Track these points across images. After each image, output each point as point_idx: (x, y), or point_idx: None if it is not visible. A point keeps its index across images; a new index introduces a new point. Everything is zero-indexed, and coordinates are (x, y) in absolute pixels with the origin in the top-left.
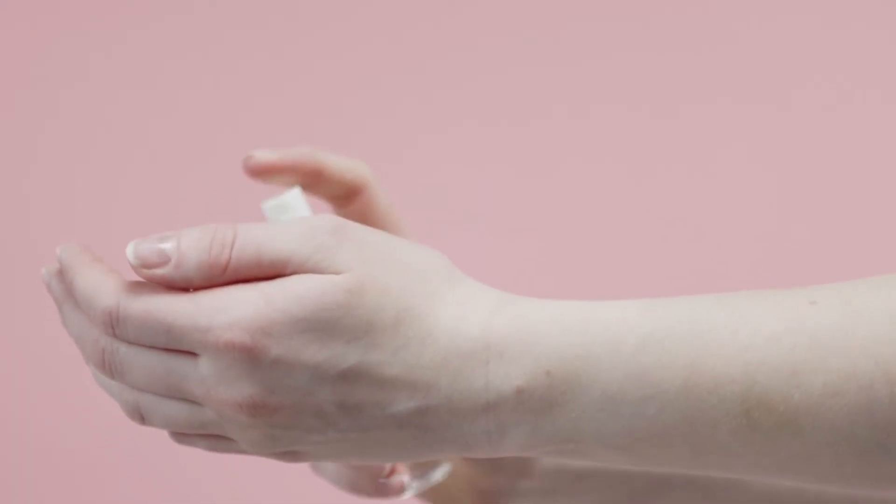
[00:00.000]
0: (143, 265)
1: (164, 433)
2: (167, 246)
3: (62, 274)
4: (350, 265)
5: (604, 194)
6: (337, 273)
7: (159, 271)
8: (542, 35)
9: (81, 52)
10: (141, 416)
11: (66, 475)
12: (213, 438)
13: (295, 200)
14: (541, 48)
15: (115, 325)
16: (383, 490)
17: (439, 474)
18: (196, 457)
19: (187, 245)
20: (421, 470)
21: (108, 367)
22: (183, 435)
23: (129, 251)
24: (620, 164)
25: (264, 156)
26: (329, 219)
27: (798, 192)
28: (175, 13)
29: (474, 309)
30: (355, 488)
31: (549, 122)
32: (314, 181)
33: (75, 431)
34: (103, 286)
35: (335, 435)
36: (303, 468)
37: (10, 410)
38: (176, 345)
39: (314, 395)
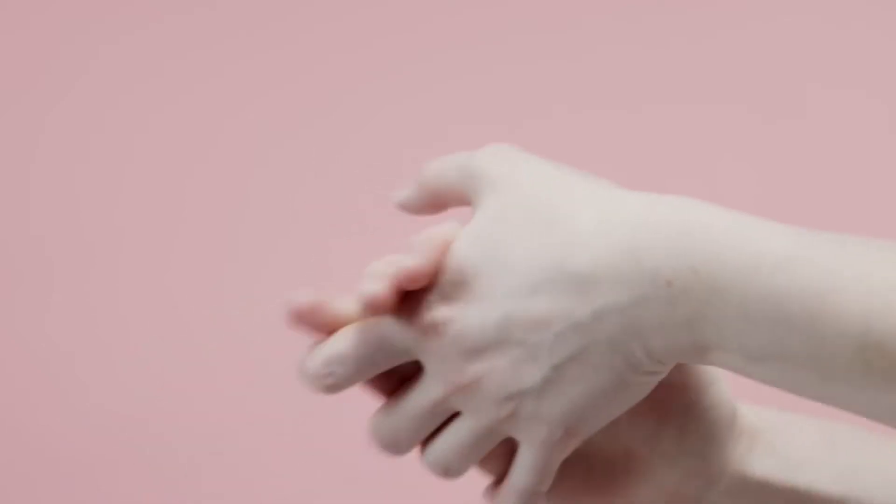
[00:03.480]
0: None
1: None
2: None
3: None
4: (508, 172)
5: None
6: (498, 181)
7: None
8: (541, 35)
9: (81, 52)
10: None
11: (66, 475)
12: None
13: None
14: (540, 48)
15: None
16: None
17: None
18: (196, 457)
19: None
20: None
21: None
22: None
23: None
24: (620, 164)
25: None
26: (502, 145)
27: (797, 192)
28: (175, 13)
29: (621, 206)
30: None
31: (548, 122)
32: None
33: (75, 431)
34: None
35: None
36: (303, 469)
37: (11, 410)
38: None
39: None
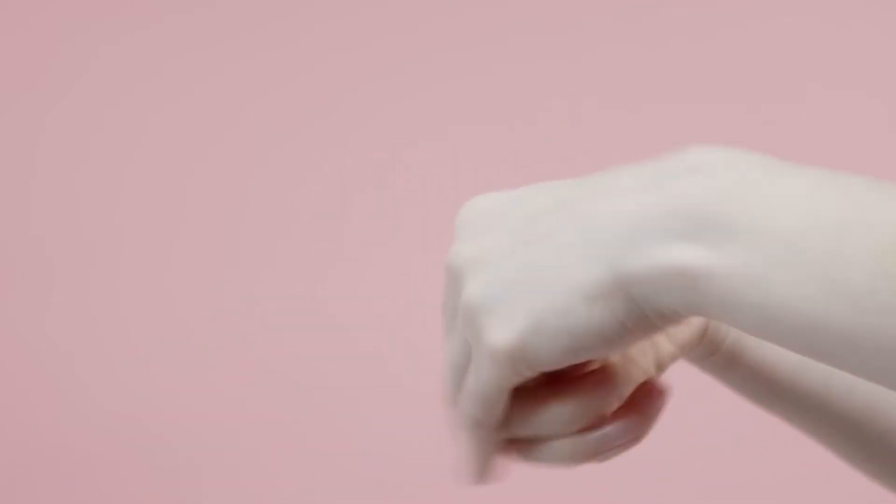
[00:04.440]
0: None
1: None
2: None
3: None
4: None
5: None
6: None
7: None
8: (541, 35)
9: (81, 52)
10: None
11: (66, 475)
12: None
13: None
14: (540, 48)
15: None
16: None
17: None
18: (196, 457)
19: None
20: None
21: None
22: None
23: None
24: (620, 163)
25: None
26: None
27: None
28: (175, 13)
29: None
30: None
31: (548, 122)
32: None
33: (75, 431)
34: None
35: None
36: (302, 469)
37: (11, 410)
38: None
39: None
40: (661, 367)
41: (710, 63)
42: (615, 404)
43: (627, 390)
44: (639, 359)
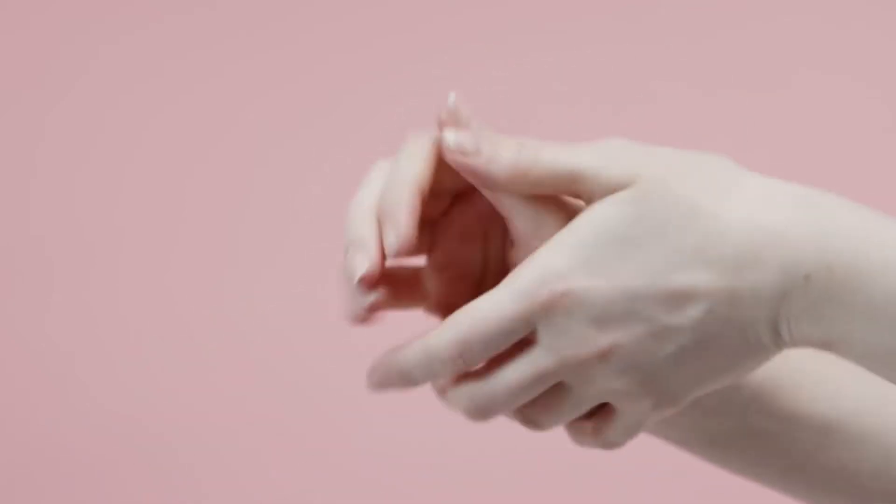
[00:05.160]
0: (460, 151)
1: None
2: (483, 145)
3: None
4: (637, 172)
5: None
6: (623, 184)
7: (471, 160)
8: (541, 35)
9: (81, 52)
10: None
11: (66, 475)
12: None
13: None
14: (540, 48)
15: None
16: None
17: None
18: (196, 457)
19: (502, 146)
20: None
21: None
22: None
23: (450, 136)
24: None
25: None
26: (616, 138)
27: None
28: (175, 13)
29: (766, 202)
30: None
31: (548, 122)
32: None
33: (75, 431)
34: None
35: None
36: (302, 469)
37: (11, 410)
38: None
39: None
40: None
41: (706, 56)
42: None
43: None
44: None
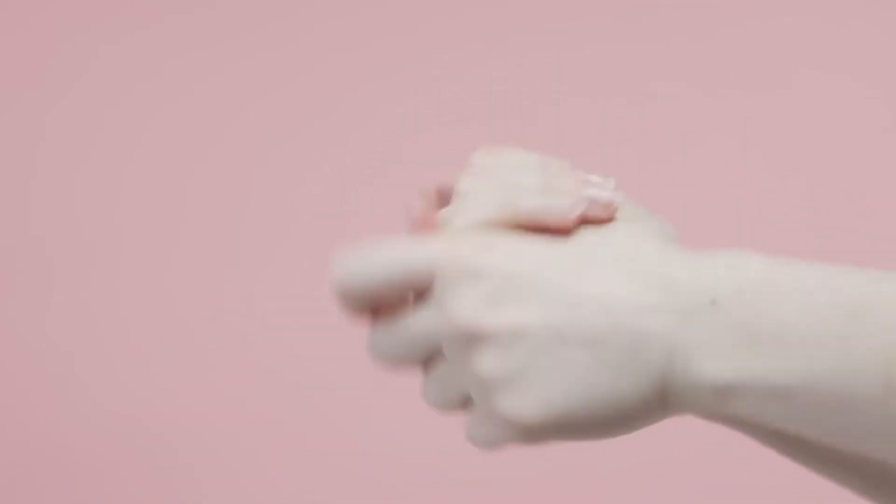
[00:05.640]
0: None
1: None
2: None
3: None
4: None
5: None
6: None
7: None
8: (541, 35)
9: (81, 52)
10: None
11: (66, 475)
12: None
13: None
14: (540, 48)
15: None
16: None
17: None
18: (196, 457)
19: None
20: None
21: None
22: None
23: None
24: (623, 161)
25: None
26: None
27: (793, 184)
28: (175, 13)
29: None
30: None
31: (549, 121)
32: None
33: (75, 431)
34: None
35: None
36: (302, 469)
37: (11, 410)
38: None
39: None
40: None
41: (706, 56)
42: None
43: None
44: None
